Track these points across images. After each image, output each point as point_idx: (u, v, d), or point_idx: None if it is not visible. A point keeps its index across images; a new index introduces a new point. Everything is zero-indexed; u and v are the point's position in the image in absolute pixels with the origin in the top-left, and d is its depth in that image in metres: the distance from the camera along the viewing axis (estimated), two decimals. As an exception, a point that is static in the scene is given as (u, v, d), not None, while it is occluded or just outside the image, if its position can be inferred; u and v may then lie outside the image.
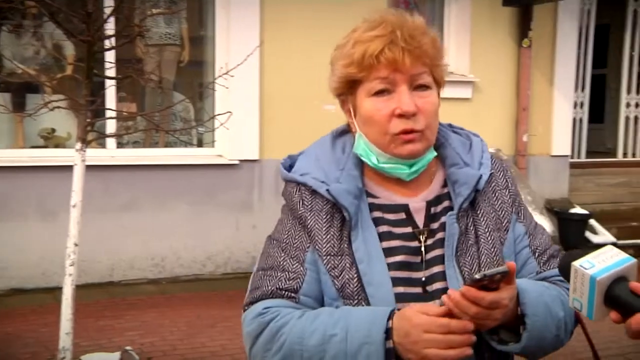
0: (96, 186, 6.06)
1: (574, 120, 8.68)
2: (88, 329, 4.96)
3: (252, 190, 6.76)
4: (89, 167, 5.01)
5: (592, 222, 7.68)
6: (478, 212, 1.49)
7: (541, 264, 1.54)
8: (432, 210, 1.50)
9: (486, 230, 1.48)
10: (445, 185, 1.53)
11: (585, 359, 4.19)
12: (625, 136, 9.36)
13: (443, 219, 1.48)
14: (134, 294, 6.07)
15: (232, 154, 6.70)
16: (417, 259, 1.46)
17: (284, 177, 1.55)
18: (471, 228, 1.47)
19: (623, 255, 1.18)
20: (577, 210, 7.53)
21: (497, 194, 1.53)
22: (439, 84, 1.48)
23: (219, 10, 6.69)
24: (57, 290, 4.22)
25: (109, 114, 5.23)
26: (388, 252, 1.44)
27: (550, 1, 7.61)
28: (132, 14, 4.77)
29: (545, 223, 7.01)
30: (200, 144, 7.17)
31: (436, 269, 1.44)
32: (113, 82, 4.80)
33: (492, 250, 1.47)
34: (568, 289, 1.52)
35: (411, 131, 1.42)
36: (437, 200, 1.51)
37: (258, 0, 6.64)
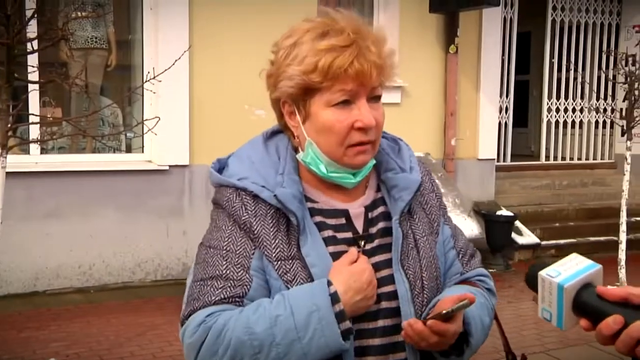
0: (19, 193, 5.87)
1: (500, 124, 8.95)
2: (10, 342, 4.79)
3: (182, 196, 6.68)
4: (11, 174, 4.84)
5: (518, 223, 7.91)
6: (414, 216, 1.54)
7: (464, 265, 1.61)
8: (370, 215, 1.52)
9: (423, 234, 1.54)
10: (378, 189, 1.55)
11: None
12: (547, 140, 9.71)
13: (380, 224, 1.51)
14: (59, 303, 5.89)
15: (161, 159, 6.60)
16: None
17: (218, 182, 1.50)
18: (409, 232, 1.52)
19: (588, 261, 1.18)
20: (503, 212, 7.74)
21: (426, 198, 1.58)
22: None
23: (147, 14, 6.59)
24: (-23, 302, 4.07)
25: (32, 119, 5.07)
26: (335, 256, 1.44)
27: (474, 9, 7.81)
28: (55, 17, 4.65)
29: (474, 225, 7.20)
30: (129, 149, 7.03)
31: (383, 273, 1.46)
32: (36, 86, 4.66)
33: (430, 253, 1.52)
34: (488, 289, 1.59)
35: (366, 142, 1.43)
36: (373, 205, 1.53)
37: (187, 4, 6.57)
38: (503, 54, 8.85)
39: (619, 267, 5.99)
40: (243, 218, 1.43)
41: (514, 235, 7.78)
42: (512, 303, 5.99)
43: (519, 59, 9.34)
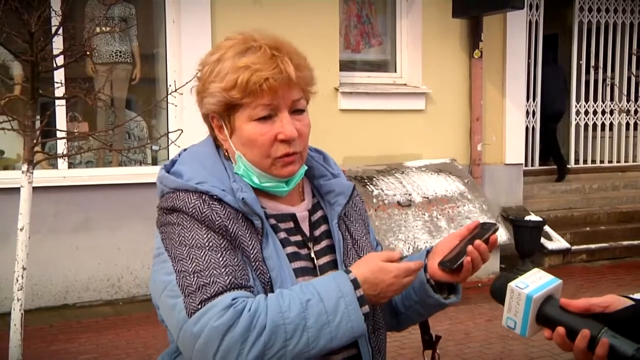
0: (48, 207, 5.96)
1: (527, 128, 8.84)
2: (40, 354, 4.84)
3: (208, 206, 6.69)
4: (40, 189, 4.92)
5: (547, 228, 7.79)
6: (350, 218, 1.64)
7: None
8: (312, 218, 1.59)
9: (361, 234, 1.64)
10: (313, 195, 1.63)
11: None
12: (576, 143, 9.57)
13: (322, 227, 1.59)
14: (89, 316, 5.95)
15: (187, 171, 6.62)
16: (311, 265, 1.53)
17: (176, 187, 1.48)
18: (347, 234, 1.61)
19: (550, 276, 1.30)
20: (532, 217, 7.62)
21: (354, 201, 1.67)
22: (308, 103, 1.55)
23: (170, 27, 6.65)
24: (7, 316, 4.11)
25: (58, 134, 5.14)
26: (290, 258, 1.49)
27: (498, 12, 7.74)
28: (79, 33, 4.71)
29: (501, 231, 7.09)
30: (155, 162, 7.09)
31: (329, 273, 1.51)
32: (61, 102, 4.72)
33: (370, 252, 1.61)
34: None
35: (292, 154, 1.48)
36: (314, 209, 1.61)
37: (209, 17, 6.61)
38: (529, 57, 8.76)
39: (652, 272, 5.85)
40: (217, 222, 1.42)
41: (543, 240, 7.66)
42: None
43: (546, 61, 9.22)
